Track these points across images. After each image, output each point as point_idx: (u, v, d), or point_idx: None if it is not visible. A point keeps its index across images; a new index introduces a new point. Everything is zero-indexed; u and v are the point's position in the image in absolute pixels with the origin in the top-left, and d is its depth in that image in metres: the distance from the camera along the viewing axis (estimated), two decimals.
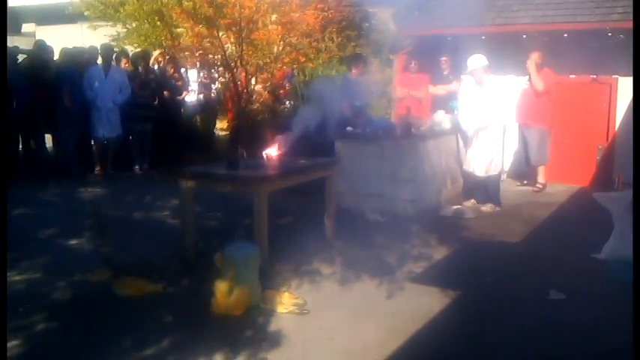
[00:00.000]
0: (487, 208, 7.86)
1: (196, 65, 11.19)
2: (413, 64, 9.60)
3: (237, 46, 9.36)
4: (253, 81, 10.31)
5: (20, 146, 9.99)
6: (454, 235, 6.66)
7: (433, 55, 9.52)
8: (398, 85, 10.20)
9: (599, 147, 9.32)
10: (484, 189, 7.96)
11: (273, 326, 4.31)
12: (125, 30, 12.90)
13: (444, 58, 9.53)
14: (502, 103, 7.74)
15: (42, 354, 3.92)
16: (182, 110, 11.16)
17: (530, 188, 9.07)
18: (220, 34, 9.36)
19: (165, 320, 4.40)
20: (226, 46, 9.63)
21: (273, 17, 9.64)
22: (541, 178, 9.02)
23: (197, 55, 10.37)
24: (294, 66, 10.60)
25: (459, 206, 7.81)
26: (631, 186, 4.77)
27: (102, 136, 9.67)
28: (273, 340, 4.09)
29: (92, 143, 9.88)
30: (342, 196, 7.21)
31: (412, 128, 7.70)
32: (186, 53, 10.66)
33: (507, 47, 8.62)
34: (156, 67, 10.96)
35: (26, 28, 19.32)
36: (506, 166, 8.15)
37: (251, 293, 4.56)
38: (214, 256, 4.71)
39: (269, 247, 5.22)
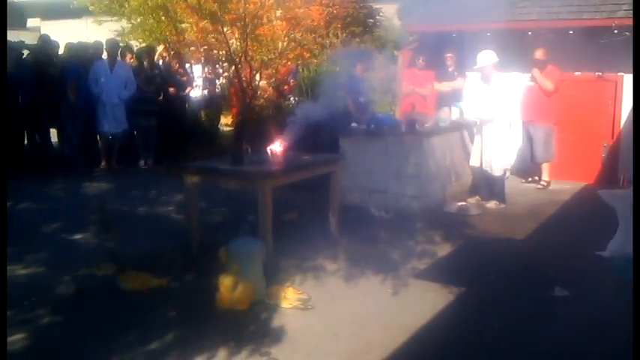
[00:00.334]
0: (492, 204, 7.85)
1: (201, 60, 11.20)
2: (421, 61, 9.57)
3: (242, 41, 9.37)
4: (258, 77, 10.32)
5: (25, 141, 10.02)
6: (458, 231, 6.65)
7: (438, 51, 9.50)
8: (403, 81, 10.18)
9: (605, 144, 9.29)
10: (489, 186, 7.95)
11: (277, 321, 4.33)
12: (130, 25, 12.90)
13: (448, 55, 9.51)
14: (509, 100, 7.72)
15: (47, 347, 3.94)
16: (187, 105, 11.17)
17: (534, 185, 9.06)
18: (225, 29, 9.37)
19: (169, 315, 4.41)
20: (231, 41, 9.64)
21: (278, 13, 9.65)
22: (545, 176, 9.01)
23: (202, 50, 10.39)
24: (299, 62, 10.60)
25: (463, 203, 7.80)
26: None
27: (107, 131, 9.69)
28: (277, 335, 4.10)
29: (97, 138, 9.90)
30: (347, 192, 7.21)
31: (417, 124, 7.69)
32: (191, 48, 10.67)
33: (513, 44, 8.58)
34: (160, 62, 10.97)
35: (31, 22, 19.37)
36: (511, 163, 8.12)
37: (255, 288, 4.57)
38: (219, 251, 4.73)
39: (273, 242, 5.23)
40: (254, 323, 4.28)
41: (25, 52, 10.38)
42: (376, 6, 13.86)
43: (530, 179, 9.22)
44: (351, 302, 4.68)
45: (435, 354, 3.95)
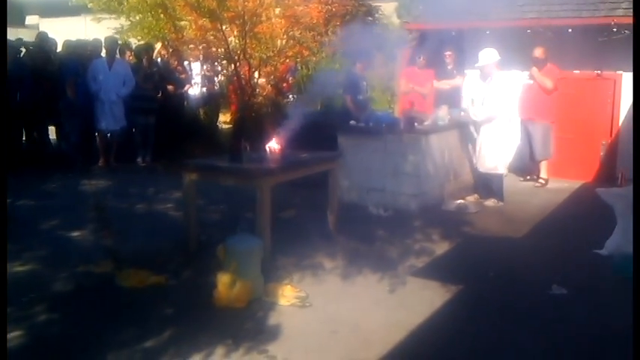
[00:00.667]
0: (490, 202, 7.86)
1: (199, 58, 11.19)
2: (421, 59, 9.56)
3: (241, 39, 9.35)
4: (257, 74, 10.31)
5: (24, 138, 10.01)
6: (457, 229, 6.66)
7: (437, 49, 9.50)
8: (402, 79, 10.18)
9: (603, 143, 9.30)
10: (487, 184, 7.96)
11: (274, 319, 4.32)
12: (128, 23, 12.89)
13: (448, 53, 9.51)
14: (508, 98, 7.72)
15: (45, 344, 3.93)
16: (185, 103, 11.16)
17: (533, 183, 9.06)
18: (224, 27, 9.36)
19: (167, 312, 4.41)
20: (230, 39, 9.63)
21: (277, 11, 9.64)
22: (544, 174, 9.01)
23: (200, 48, 10.38)
24: (298, 60, 10.59)
25: (461, 201, 7.81)
26: None
27: (105, 128, 9.69)
28: (275, 333, 4.10)
29: (96, 136, 9.89)
30: (345, 190, 7.22)
31: (415, 123, 7.69)
32: (190, 46, 10.66)
33: (512, 42, 8.58)
34: (159, 60, 10.96)
35: (30, 20, 19.33)
36: (508, 162, 8.13)
37: (253, 286, 4.57)
38: (217, 249, 4.73)
39: (271, 240, 5.23)
40: (252, 321, 4.28)
41: (23, 50, 10.36)
42: (375, 4, 13.85)
43: (528, 177, 9.23)
44: (349, 300, 4.68)
45: (433, 352, 3.95)
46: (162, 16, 11.76)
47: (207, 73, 11.59)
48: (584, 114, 9.30)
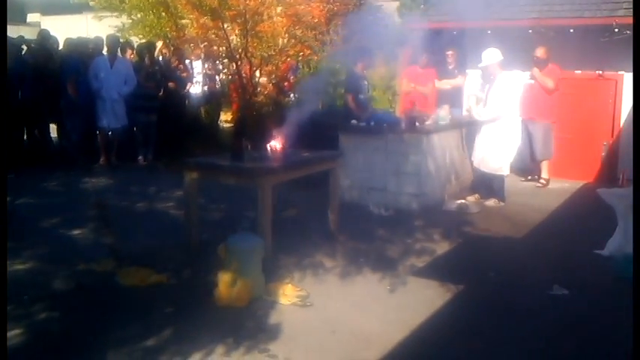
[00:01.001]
0: (491, 203, 7.85)
1: (201, 57, 11.19)
2: (423, 59, 9.55)
3: (242, 38, 9.37)
4: (258, 73, 10.31)
5: (25, 136, 10.01)
6: (457, 229, 6.66)
7: (438, 49, 9.49)
8: (404, 78, 10.18)
9: (604, 143, 9.30)
10: (488, 184, 7.95)
11: (275, 318, 4.33)
12: (130, 21, 12.89)
13: (449, 52, 9.50)
14: (511, 98, 7.72)
15: (45, 342, 3.93)
16: (187, 102, 11.16)
17: (534, 184, 9.06)
18: (225, 25, 9.36)
19: (168, 311, 4.41)
20: (231, 38, 9.63)
21: (279, 9, 9.64)
22: (545, 174, 9.01)
23: (202, 46, 10.38)
24: (299, 59, 10.59)
25: (462, 201, 7.80)
26: None
27: (107, 126, 9.69)
28: (276, 332, 4.10)
29: (97, 134, 9.90)
30: (346, 190, 7.22)
31: (417, 122, 7.69)
32: (192, 45, 10.66)
33: (513, 42, 8.58)
34: (160, 58, 10.96)
35: (31, 18, 19.34)
36: (509, 162, 8.13)
37: (254, 285, 4.57)
38: (218, 248, 4.73)
39: (272, 239, 5.23)
40: (252, 320, 4.28)
41: (25, 48, 10.36)
42: (377, 3, 13.83)
43: (529, 177, 9.22)
44: (350, 299, 4.69)
45: (433, 351, 3.95)
46: (163, 14, 11.78)
47: (208, 72, 11.58)
48: (586, 114, 9.30)
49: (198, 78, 11.51)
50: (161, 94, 10.26)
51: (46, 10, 18.75)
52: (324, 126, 7.76)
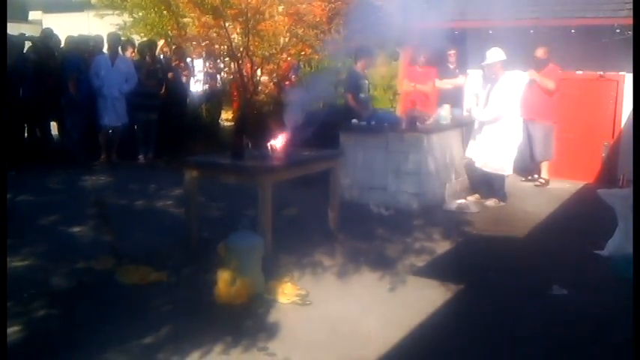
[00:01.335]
0: (491, 202, 7.85)
1: (202, 55, 11.19)
2: (422, 58, 9.55)
3: (244, 36, 9.36)
4: (259, 72, 10.30)
5: (26, 134, 10.01)
6: (457, 229, 6.66)
7: (440, 48, 9.48)
8: (404, 78, 10.17)
9: (605, 144, 9.29)
10: (488, 183, 7.95)
11: (275, 316, 4.33)
12: (132, 19, 12.88)
13: (451, 52, 9.50)
14: (512, 98, 7.72)
15: (44, 340, 3.94)
16: (188, 100, 11.16)
17: (533, 183, 9.05)
18: (227, 24, 9.35)
19: (167, 308, 4.41)
20: (233, 36, 9.62)
21: (280, 8, 9.63)
22: (544, 174, 9.01)
23: (203, 45, 10.37)
24: (301, 58, 10.59)
25: (463, 200, 7.80)
26: None
27: (107, 124, 9.69)
28: (275, 330, 4.10)
29: (98, 131, 9.90)
30: (346, 189, 7.22)
31: (417, 122, 7.69)
32: (193, 43, 10.65)
33: (514, 42, 8.57)
34: (161, 57, 10.96)
35: (33, 15, 19.34)
36: (511, 162, 8.12)
37: (254, 283, 4.58)
38: (218, 246, 4.73)
39: (272, 237, 5.23)
40: (252, 318, 4.28)
41: (27, 45, 10.37)
42: (378, 2, 13.82)
43: (530, 177, 9.22)
44: (350, 298, 4.69)
45: (433, 351, 3.95)
46: (165, 12, 11.76)
47: (209, 71, 11.59)
48: (587, 115, 9.30)
49: (199, 76, 11.52)
50: (162, 92, 10.26)
51: (48, 8, 18.75)
52: (325, 125, 7.76)
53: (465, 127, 8.35)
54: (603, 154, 9.31)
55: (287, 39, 9.78)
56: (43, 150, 9.87)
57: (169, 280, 4.92)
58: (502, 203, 7.86)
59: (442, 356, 3.91)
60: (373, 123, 7.75)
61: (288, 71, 11.00)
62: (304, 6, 9.47)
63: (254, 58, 9.70)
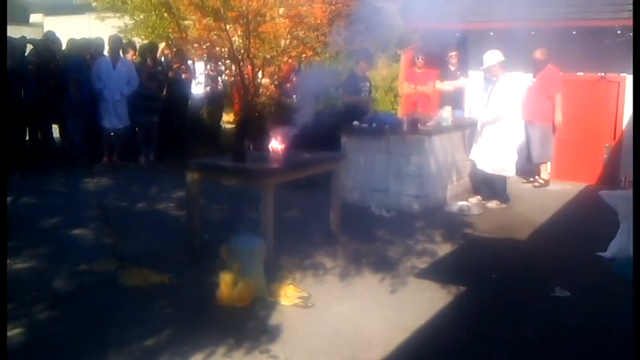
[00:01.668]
0: (493, 204, 7.85)
1: (203, 57, 11.19)
2: (420, 60, 9.56)
3: (245, 39, 9.36)
4: (260, 74, 10.31)
5: (27, 137, 10.02)
6: (459, 231, 6.66)
7: (441, 50, 9.49)
8: (404, 81, 10.18)
9: (607, 145, 9.29)
10: (490, 185, 7.95)
11: (277, 319, 4.33)
12: (133, 22, 12.90)
13: (452, 53, 9.50)
14: (513, 99, 7.72)
15: (47, 342, 3.93)
16: (189, 102, 11.17)
17: (532, 184, 9.05)
18: (228, 26, 9.36)
19: (169, 311, 4.41)
20: (233, 38, 9.63)
21: (281, 10, 9.64)
22: (545, 175, 9.00)
23: (204, 47, 10.37)
24: (303, 58, 10.59)
25: (464, 202, 7.80)
26: None
27: (109, 127, 9.69)
28: (277, 333, 4.10)
29: (99, 134, 9.91)
30: (348, 191, 7.22)
31: (418, 124, 7.69)
32: (194, 45, 10.66)
33: (516, 43, 8.57)
34: (162, 59, 10.97)
35: (34, 18, 19.38)
36: (513, 163, 8.12)
37: (256, 285, 4.57)
38: (220, 248, 4.73)
39: (274, 240, 5.23)
40: (254, 320, 4.28)
41: (29, 48, 10.38)
42: (379, 4, 13.83)
43: (531, 179, 9.22)
44: (351, 300, 4.68)
45: (435, 353, 3.95)
46: (166, 15, 11.78)
47: (210, 73, 11.59)
48: (588, 116, 9.29)
49: (200, 79, 11.53)
50: (164, 94, 10.27)
51: (49, 11, 18.79)
52: (326, 127, 7.76)
53: (467, 129, 8.35)
54: (605, 156, 9.30)
55: (288, 41, 9.79)
56: (45, 152, 9.88)
57: (171, 282, 4.92)
58: (504, 205, 7.86)
59: (444, 358, 3.90)
60: (374, 125, 7.75)
61: (289, 73, 11.01)
62: (305, 8, 9.48)
63: (255, 61, 9.70)
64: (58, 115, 9.94)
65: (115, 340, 3.92)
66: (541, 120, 8.85)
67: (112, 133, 9.81)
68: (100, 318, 4.26)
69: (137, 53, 10.44)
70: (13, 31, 10.58)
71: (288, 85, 11.09)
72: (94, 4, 13.46)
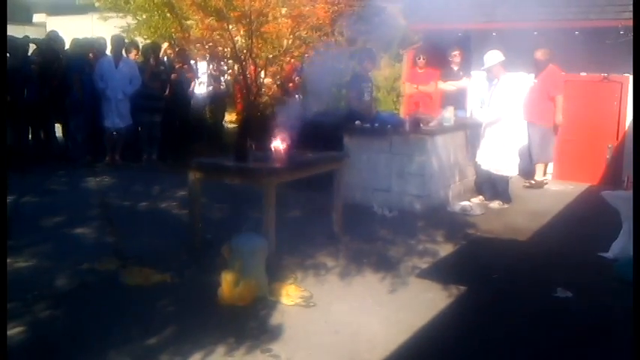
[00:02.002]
0: (495, 204, 7.84)
1: (206, 57, 11.19)
2: (421, 60, 9.55)
3: (247, 38, 9.34)
4: (262, 74, 10.30)
5: (30, 136, 10.05)
6: (461, 231, 6.65)
7: (443, 50, 9.48)
8: (406, 81, 10.17)
9: (609, 146, 9.27)
10: (493, 185, 7.94)
11: (278, 318, 4.33)
12: (135, 21, 12.92)
13: (454, 53, 9.49)
14: (515, 100, 7.71)
15: (49, 341, 3.94)
16: (191, 102, 11.17)
17: (536, 186, 9.04)
18: (230, 26, 9.36)
19: (171, 310, 4.42)
20: (236, 38, 9.62)
21: (283, 10, 9.63)
22: (539, 176, 8.97)
23: (207, 47, 10.38)
24: (305, 59, 10.59)
25: (466, 202, 7.79)
26: None
27: (111, 126, 9.71)
28: (279, 332, 4.10)
29: (102, 133, 9.92)
30: (350, 190, 7.20)
31: (421, 124, 7.68)
32: (197, 45, 10.66)
33: (518, 44, 8.56)
34: (165, 59, 10.98)
35: (37, 18, 19.42)
36: (517, 163, 8.11)
37: (257, 285, 4.58)
38: (222, 248, 4.73)
39: (276, 239, 5.23)
40: (255, 320, 4.28)
41: (32, 47, 10.40)
42: (382, 4, 13.83)
43: (532, 181, 9.19)
44: (353, 300, 4.68)
45: (436, 353, 3.94)
46: (168, 15, 11.79)
47: (213, 73, 11.59)
48: (591, 117, 9.27)
49: (203, 79, 11.53)
50: (166, 94, 10.28)
51: (52, 11, 18.82)
52: (329, 127, 7.77)
53: (469, 130, 8.34)
54: (607, 156, 9.28)
55: (290, 41, 9.77)
56: (47, 152, 9.90)
57: (173, 281, 4.93)
58: (506, 205, 7.85)
59: (444, 358, 3.90)
60: (377, 125, 7.75)
61: (291, 73, 11.02)
62: (307, 8, 9.47)
63: (257, 60, 9.69)
64: (60, 115, 9.95)
65: (116, 338, 3.92)
66: (541, 121, 8.84)
67: (114, 133, 9.82)
68: (102, 317, 4.27)
69: (140, 53, 10.46)
70: (16, 31, 10.63)
71: (291, 84, 11.11)
72: (96, 4, 13.48)
